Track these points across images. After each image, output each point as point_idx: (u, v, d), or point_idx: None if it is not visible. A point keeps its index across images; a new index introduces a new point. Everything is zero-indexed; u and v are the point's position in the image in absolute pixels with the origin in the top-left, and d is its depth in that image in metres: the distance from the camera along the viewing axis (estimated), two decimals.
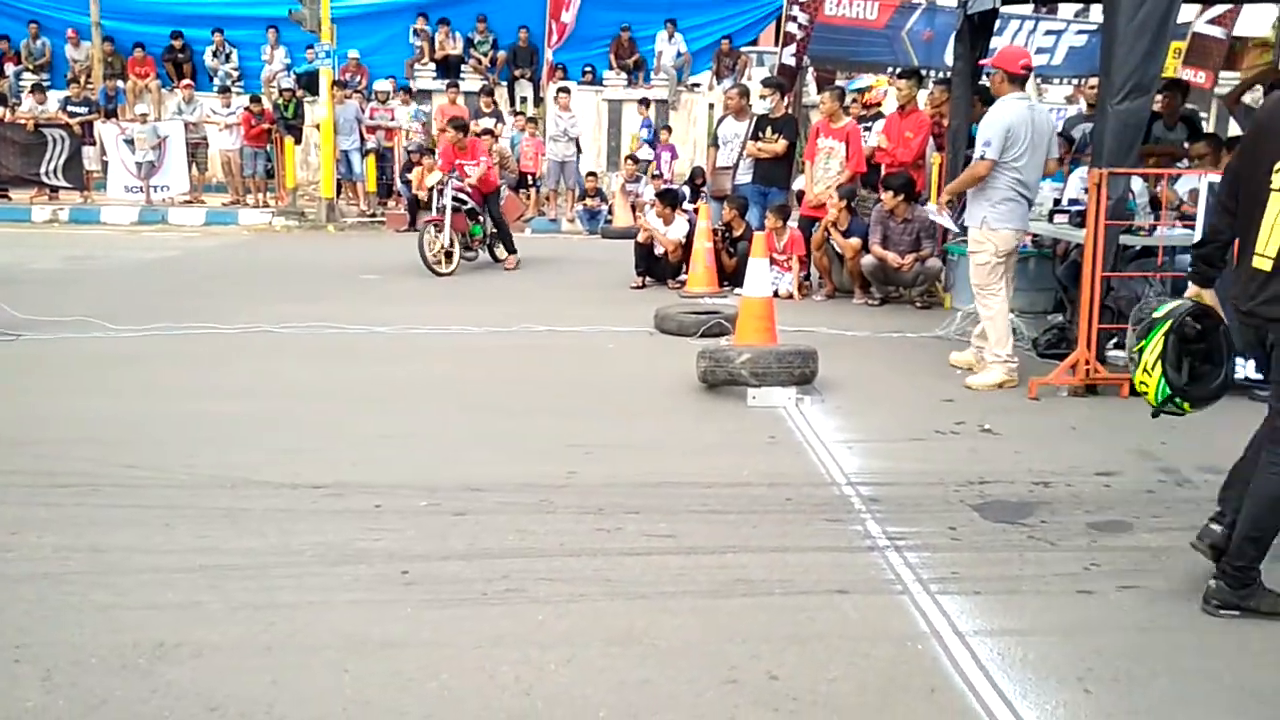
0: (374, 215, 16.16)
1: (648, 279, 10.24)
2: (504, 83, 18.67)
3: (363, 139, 16.11)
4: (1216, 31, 12.89)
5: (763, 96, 10.34)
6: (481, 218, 11.23)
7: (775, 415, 5.55)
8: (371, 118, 16.40)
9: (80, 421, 5.20)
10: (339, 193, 15.98)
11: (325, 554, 3.64)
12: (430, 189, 11.35)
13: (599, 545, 3.76)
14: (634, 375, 6.45)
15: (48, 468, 4.44)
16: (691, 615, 3.26)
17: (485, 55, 18.61)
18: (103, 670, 2.84)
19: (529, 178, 16.30)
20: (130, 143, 15.90)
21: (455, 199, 10.76)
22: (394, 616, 3.20)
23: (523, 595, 3.35)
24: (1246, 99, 8.73)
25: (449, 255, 10.60)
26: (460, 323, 7.80)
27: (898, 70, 11.51)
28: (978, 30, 8.47)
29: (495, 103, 17.18)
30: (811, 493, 4.40)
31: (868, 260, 8.97)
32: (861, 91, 13.61)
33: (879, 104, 11.61)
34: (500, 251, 11.60)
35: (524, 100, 18.70)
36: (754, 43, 19.70)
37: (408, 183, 15.49)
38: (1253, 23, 17.34)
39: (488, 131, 15.88)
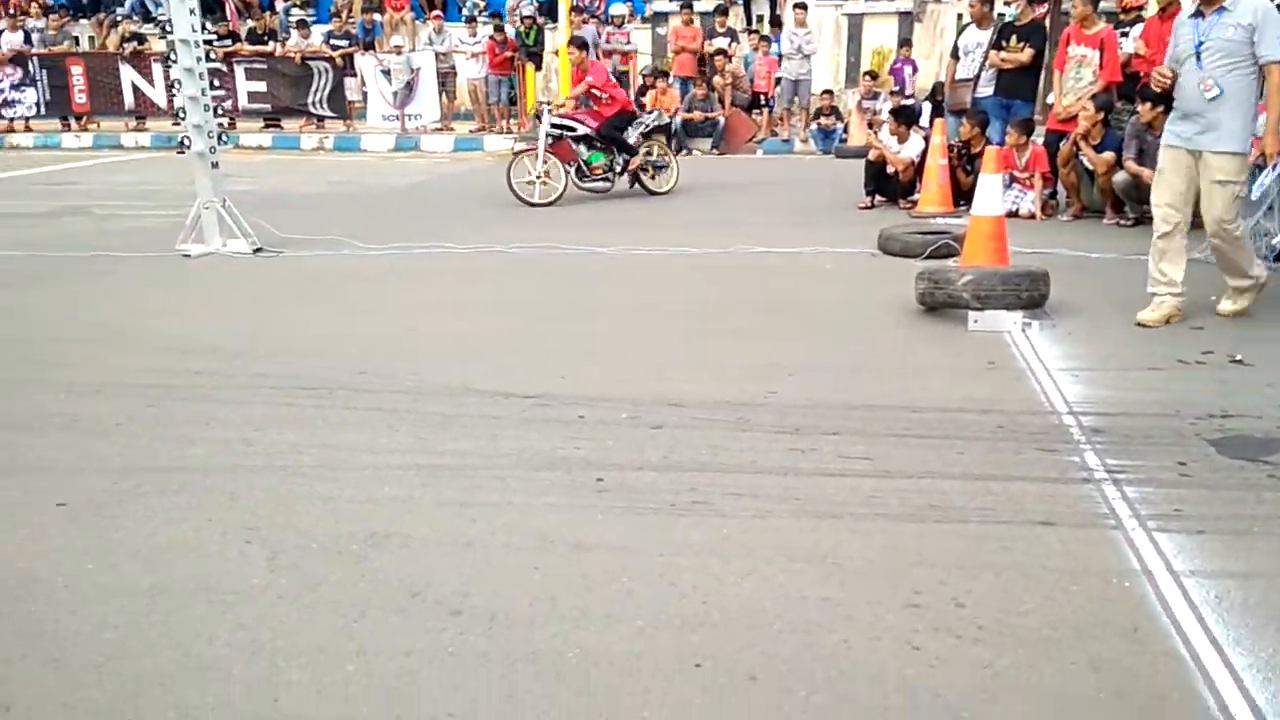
0: None
1: (878, 199, 9.92)
2: (740, 2, 18.36)
3: None
4: None
5: (1008, 2, 9.67)
6: (602, 144, 10.56)
7: (998, 340, 5.28)
8: (608, 42, 16.58)
9: (324, 331, 5.66)
10: None
11: (529, 459, 3.81)
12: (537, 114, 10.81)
13: (791, 464, 3.73)
14: (849, 297, 6.29)
15: (294, 371, 4.87)
16: (880, 538, 3.19)
17: None
18: (321, 555, 3.11)
19: (761, 98, 16.05)
20: (387, 73, 16.87)
21: (556, 126, 10.25)
22: (585, 521, 3.32)
23: (710, 508, 3.38)
24: None
25: (546, 184, 10.16)
26: (681, 245, 7.85)
27: None
28: None
29: (729, 22, 16.94)
30: (1027, 420, 4.17)
31: (1120, 177, 8.27)
32: None
33: (1140, 6, 10.56)
34: (652, 180, 10.88)
35: (760, 19, 18.35)
36: None
37: (642, 106, 15.63)
38: None
39: (720, 51, 15.75)
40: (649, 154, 10.90)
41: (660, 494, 3.49)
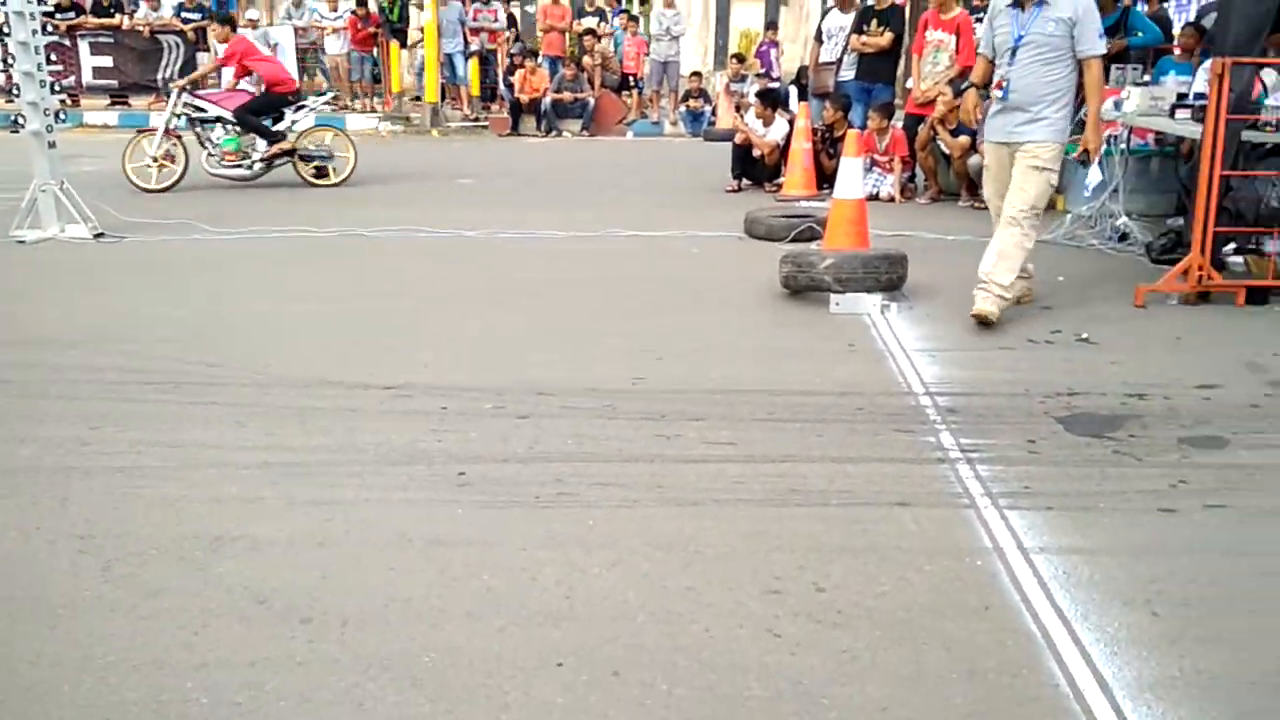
0: (477, 120, 16.18)
1: (745, 182, 10.01)
2: None
3: (466, 42, 16.04)
4: None
5: None
6: (236, 128, 9.65)
7: (858, 322, 5.37)
8: (474, 20, 16.29)
9: (170, 320, 5.37)
10: (443, 97, 16.01)
11: (387, 454, 3.69)
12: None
13: (657, 451, 3.70)
14: (716, 280, 6.32)
15: (135, 364, 4.60)
16: (743, 524, 3.19)
17: None
18: (161, 562, 2.93)
19: (631, 79, 16.03)
20: None
21: (189, 106, 9.54)
22: (445, 516, 3.22)
23: (574, 499, 3.33)
24: None
25: (165, 167, 9.48)
26: (548, 227, 7.76)
27: None
28: None
29: (598, 2, 16.85)
30: (885, 402, 4.25)
31: (976, 160, 8.53)
32: None
33: None
34: (312, 173, 9.90)
35: None
36: None
37: (510, 86, 15.43)
38: None
39: (590, 32, 15.65)
40: (314, 144, 9.99)
41: (524, 486, 3.42)
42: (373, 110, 16.35)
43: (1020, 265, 5.24)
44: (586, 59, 15.60)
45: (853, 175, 6.44)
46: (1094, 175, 6.84)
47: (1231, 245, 6.16)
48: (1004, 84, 5.16)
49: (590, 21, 16.13)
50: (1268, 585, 2.85)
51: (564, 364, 4.68)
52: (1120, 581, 2.87)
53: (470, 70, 16.16)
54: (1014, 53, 5.13)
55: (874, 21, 9.57)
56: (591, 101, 15.31)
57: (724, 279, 6.35)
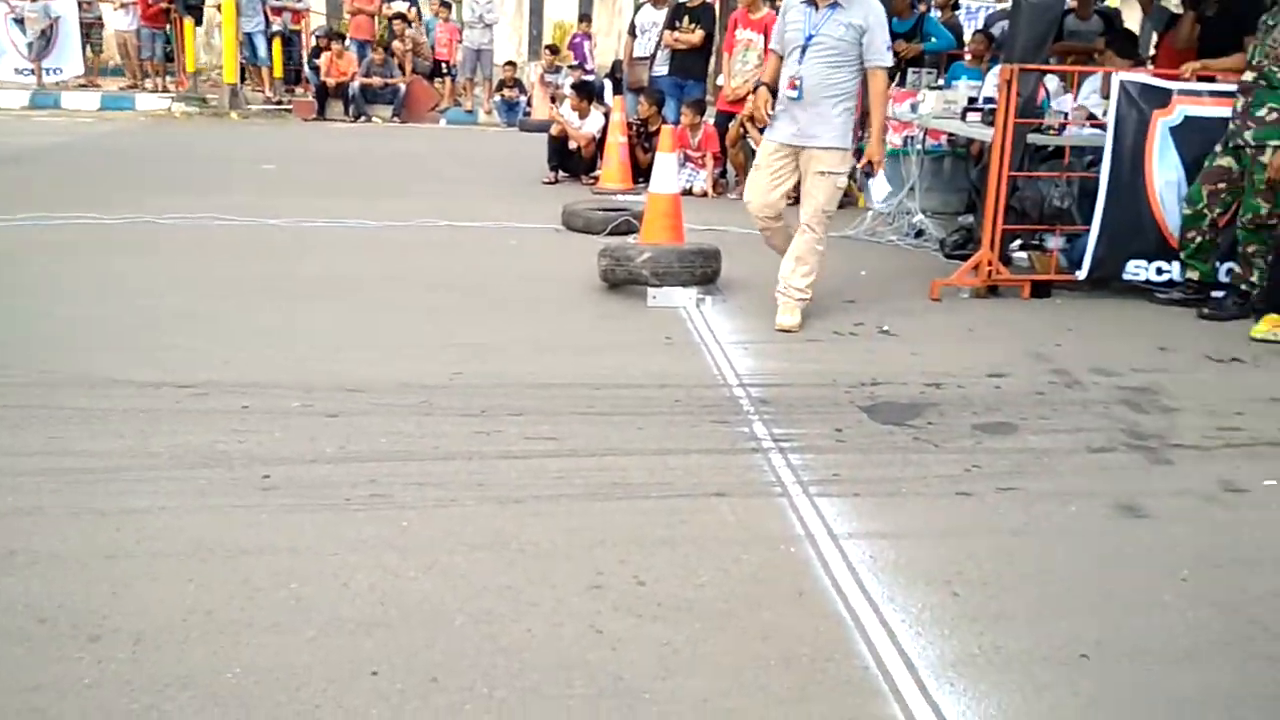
0: (280, 103, 15.50)
1: (561, 174, 9.98)
2: None
3: (267, 21, 15.33)
4: None
5: None
6: None
7: (675, 315, 5.44)
8: None
9: None
10: (243, 78, 15.27)
11: (184, 458, 3.46)
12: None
13: (475, 448, 3.63)
14: (534, 273, 6.27)
15: None
16: (564, 519, 3.17)
17: None
18: None
19: (444, 66, 15.72)
20: (20, 22, 15.00)
21: None
22: (249, 523, 3.05)
23: (388, 501, 3.22)
24: None
25: None
26: (359, 216, 7.51)
27: None
28: None
29: None
30: (702, 394, 4.31)
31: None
32: None
33: None
34: None
35: None
36: None
37: (316, 69, 14.87)
38: None
39: (400, 16, 15.26)
40: None
41: (335, 488, 3.28)
42: (165, 90, 15.40)
43: (816, 267, 5.27)
44: (397, 44, 15.18)
45: (668, 170, 6.51)
46: (881, 187, 7.06)
47: (1018, 242, 6.58)
48: (796, 83, 5.02)
49: (400, 6, 15.70)
50: (1055, 564, 3.05)
51: (376, 359, 4.53)
52: (923, 563, 3.00)
53: (273, 51, 15.46)
54: (803, 51, 5.01)
55: (686, 19, 9.71)
56: (403, 88, 14.92)
57: (542, 271, 6.31)
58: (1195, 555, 3.11)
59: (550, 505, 3.25)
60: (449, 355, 4.59)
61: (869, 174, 5.77)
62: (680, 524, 3.17)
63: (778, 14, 8.73)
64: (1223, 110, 5.68)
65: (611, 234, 7.20)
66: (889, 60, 5.15)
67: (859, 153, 5.96)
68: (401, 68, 15.17)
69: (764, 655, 2.52)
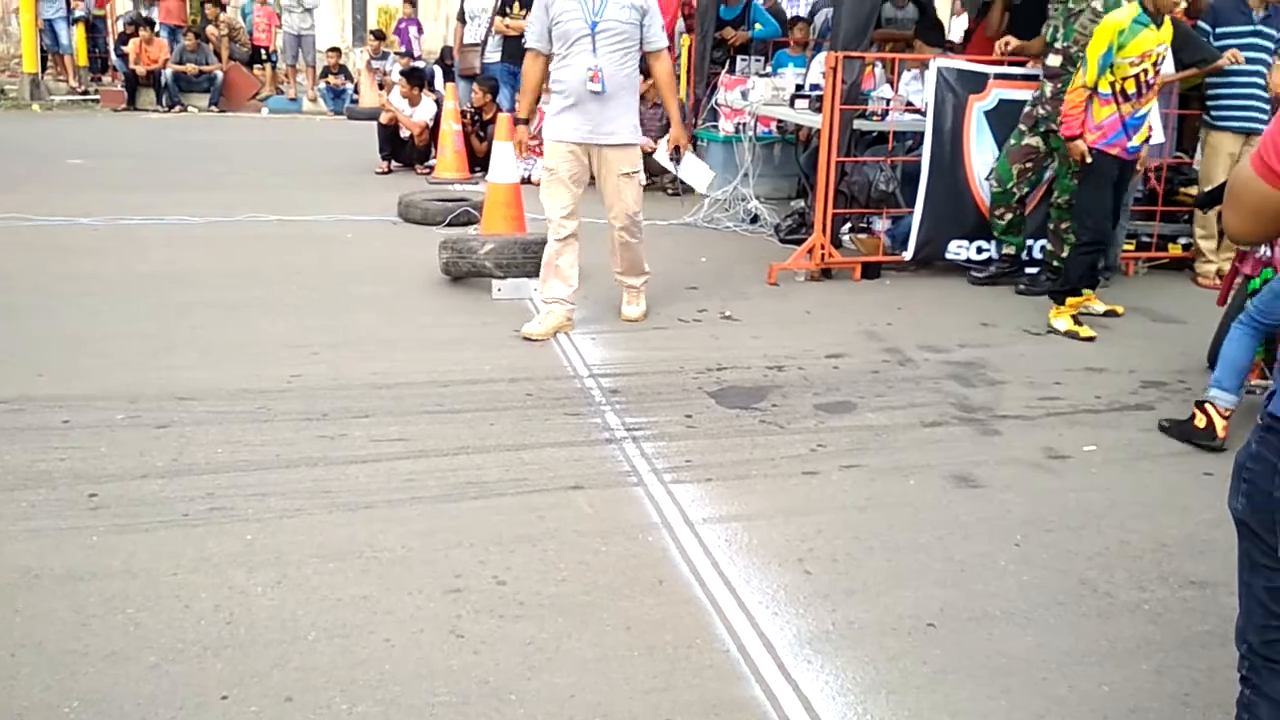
0: (86, 93, 14.56)
1: (394, 164, 9.74)
2: None
3: (69, 6, 14.35)
4: None
5: None
6: None
7: (521, 308, 5.39)
8: None
9: None
10: (45, 67, 14.25)
11: (2, 479, 3.22)
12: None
13: (321, 454, 3.51)
14: (372, 268, 6.09)
15: None
16: (419, 523, 3.10)
17: None
18: None
19: (263, 52, 15.08)
20: None
21: None
22: (78, 545, 2.86)
23: (230, 514, 3.08)
24: None
25: None
26: (179, 212, 7.13)
27: None
28: None
29: None
30: (553, 386, 4.30)
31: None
32: None
33: None
34: None
35: None
36: None
37: (124, 56, 14.04)
38: None
39: (213, 0, 14.55)
40: None
41: (170, 504, 3.12)
42: None
43: (644, 259, 5.16)
44: (211, 29, 14.47)
45: (506, 159, 6.44)
46: (694, 169, 6.70)
47: (847, 225, 6.81)
48: (598, 75, 4.62)
49: None
50: (899, 537, 3.18)
51: (208, 365, 4.32)
52: (776, 544, 3.08)
53: (76, 38, 14.48)
54: (593, 41, 4.63)
55: (516, 4, 9.61)
56: (220, 75, 14.24)
57: (381, 265, 6.14)
58: (1026, 520, 3.30)
59: (403, 509, 3.18)
60: (287, 357, 4.43)
61: (676, 159, 5.55)
62: (538, 520, 3.15)
63: None
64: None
65: (451, 225, 7.09)
66: (666, 41, 4.92)
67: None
68: (218, 54, 14.47)
69: (628, 646, 2.54)
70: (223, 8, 14.75)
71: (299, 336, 4.70)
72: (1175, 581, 2.94)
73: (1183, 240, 6.87)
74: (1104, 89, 5.06)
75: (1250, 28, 6.14)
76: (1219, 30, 6.19)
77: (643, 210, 5.08)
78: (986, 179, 6.11)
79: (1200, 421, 3.92)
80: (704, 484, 3.47)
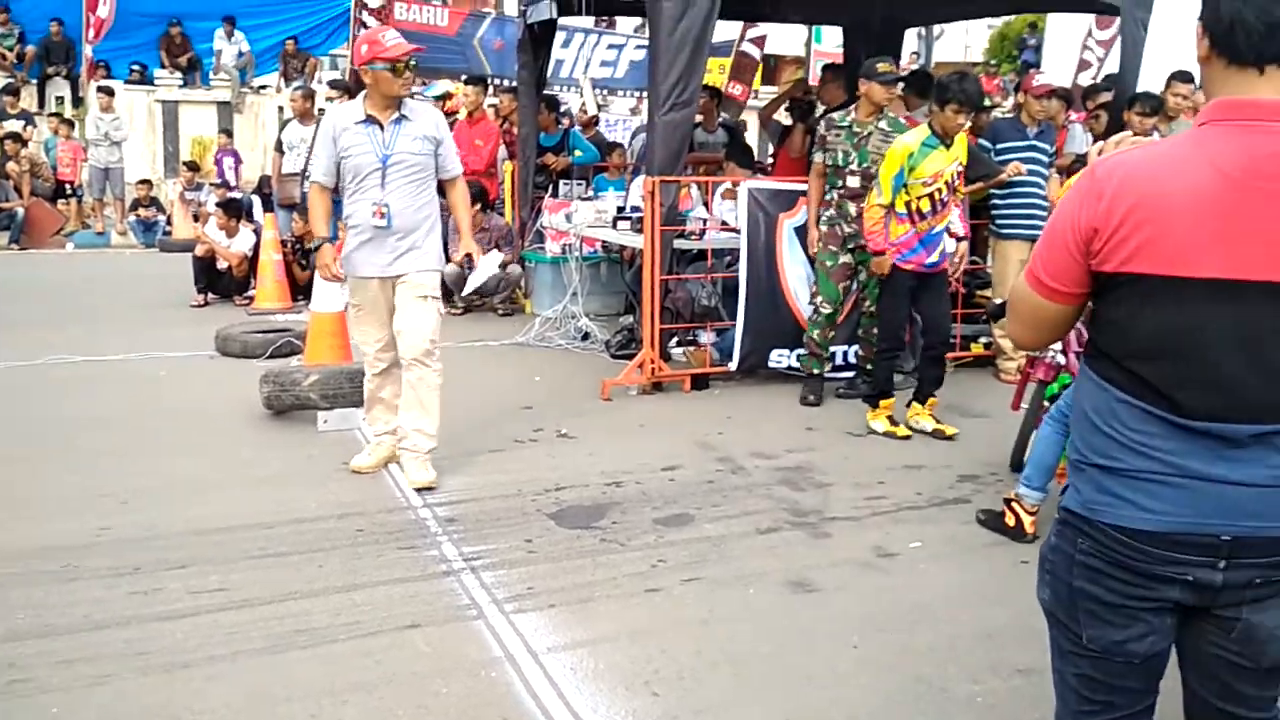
0: None
1: (211, 295, 9.43)
2: (34, 81, 16.52)
3: None
4: (753, 50, 14.21)
5: (329, 99, 9.92)
6: None
7: (350, 439, 5.25)
8: None
9: None
10: None
11: None
12: None
13: (133, 612, 3.28)
14: (188, 406, 5.83)
15: None
16: (243, 679, 2.92)
17: (10, 50, 16.36)
18: None
19: (68, 187, 14.49)
20: None
21: None
22: None
23: (32, 685, 2.83)
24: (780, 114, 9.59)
25: None
26: None
27: (464, 78, 11.51)
28: (539, 40, 8.65)
29: (21, 104, 15.11)
30: (385, 520, 4.17)
31: (451, 269, 8.83)
32: (440, 98, 13.49)
33: (458, 111, 11.55)
34: None
35: (60, 100, 16.65)
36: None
37: None
38: (787, 42, 19.45)
39: (13, 135, 13.97)
40: None
41: None
42: None
43: (439, 406, 4.71)
44: (11, 165, 13.82)
45: (329, 287, 6.32)
46: (489, 263, 6.45)
47: (675, 339, 6.98)
48: (383, 211, 4.46)
49: (13, 125, 14.36)
50: (741, 649, 3.19)
51: (6, 520, 4.00)
52: (622, 668, 3.05)
53: None
54: (383, 175, 4.47)
55: None
56: (20, 211, 13.55)
57: (198, 403, 5.88)
58: (862, 621, 3.37)
59: (226, 666, 2.99)
60: (94, 508, 4.15)
61: (468, 267, 5.53)
62: (374, 665, 3.02)
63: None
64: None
65: (272, 357, 6.88)
66: (460, 168, 4.79)
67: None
68: (18, 190, 13.80)
69: None
70: (24, 143, 14.13)
71: (107, 485, 4.42)
72: (1005, 671, 3.06)
73: (983, 339, 7.35)
74: (900, 208, 5.35)
75: (1026, 142, 6.73)
76: (999, 146, 6.76)
77: (438, 342, 4.66)
78: (812, 303, 6.26)
79: (1010, 520, 4.11)
80: (546, 611, 3.41)
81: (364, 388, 4.88)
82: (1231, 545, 1.62)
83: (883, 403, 5.60)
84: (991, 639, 3.26)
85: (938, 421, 5.58)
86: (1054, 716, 1.86)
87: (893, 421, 5.55)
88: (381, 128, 4.47)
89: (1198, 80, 1.70)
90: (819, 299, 6.17)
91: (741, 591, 3.60)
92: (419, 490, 4.52)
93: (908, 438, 5.46)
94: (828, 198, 6.13)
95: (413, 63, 4.57)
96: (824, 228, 6.13)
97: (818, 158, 6.20)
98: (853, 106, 6.16)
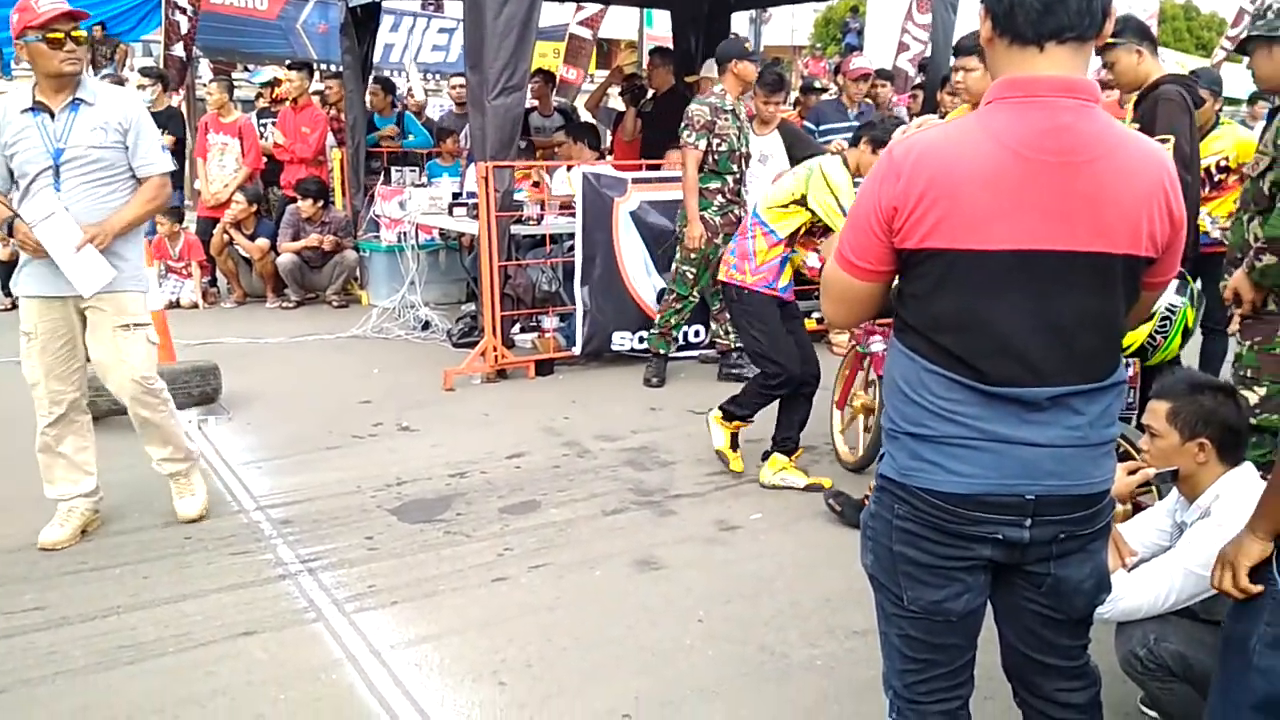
0: None
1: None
2: None
3: None
4: (585, 33, 14.18)
5: (141, 87, 9.37)
6: None
7: None
8: None
9: None
10: None
11: None
12: None
13: None
14: None
15: None
16: (64, 701, 2.76)
17: None
18: None
19: None
20: None
21: None
22: None
23: None
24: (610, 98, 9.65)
25: None
26: None
27: (288, 63, 11.11)
28: (361, 23, 8.42)
29: None
30: (215, 525, 4.00)
31: (285, 260, 8.52)
32: (268, 85, 12.94)
33: (281, 99, 11.09)
34: None
35: None
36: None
37: None
38: (621, 26, 19.49)
39: None
40: None
41: None
42: None
43: (178, 427, 4.10)
44: None
45: (150, 284, 6.01)
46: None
47: (518, 325, 6.93)
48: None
49: None
50: (590, 631, 3.20)
51: None
52: (469, 660, 3.01)
53: None
54: (57, 174, 3.62)
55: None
56: None
57: (3, 412, 5.49)
58: (707, 596, 3.44)
59: (44, 688, 2.82)
60: None
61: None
62: (206, 676, 2.89)
63: (250, 117, 8.35)
64: (674, 193, 6.42)
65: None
66: (168, 163, 3.95)
67: None
68: None
69: None
70: None
71: None
72: (841, 634, 3.17)
73: (815, 314, 7.57)
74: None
75: (847, 124, 6.97)
76: (821, 127, 6.98)
77: (156, 371, 3.98)
78: (674, 291, 6.21)
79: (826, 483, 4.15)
80: (389, 608, 3.34)
81: (37, 442, 3.89)
82: (1036, 504, 1.71)
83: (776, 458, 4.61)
84: (828, 603, 3.37)
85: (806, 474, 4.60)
86: (882, 677, 1.93)
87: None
88: (52, 116, 3.61)
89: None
90: (675, 294, 6.17)
91: (589, 574, 3.61)
92: (186, 523, 3.98)
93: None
94: (715, 185, 6.02)
95: (83, 31, 3.64)
96: (717, 217, 6.03)
97: (700, 144, 5.88)
98: (722, 90, 6.02)
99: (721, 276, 4.62)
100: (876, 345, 4.45)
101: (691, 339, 6.72)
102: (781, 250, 4.39)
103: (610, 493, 4.40)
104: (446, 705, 2.77)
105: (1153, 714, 2.64)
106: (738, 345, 6.09)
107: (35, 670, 2.91)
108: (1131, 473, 2.47)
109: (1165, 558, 2.32)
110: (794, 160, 6.36)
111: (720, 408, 4.67)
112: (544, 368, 6.49)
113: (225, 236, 8.64)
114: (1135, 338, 3.52)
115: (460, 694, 2.83)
